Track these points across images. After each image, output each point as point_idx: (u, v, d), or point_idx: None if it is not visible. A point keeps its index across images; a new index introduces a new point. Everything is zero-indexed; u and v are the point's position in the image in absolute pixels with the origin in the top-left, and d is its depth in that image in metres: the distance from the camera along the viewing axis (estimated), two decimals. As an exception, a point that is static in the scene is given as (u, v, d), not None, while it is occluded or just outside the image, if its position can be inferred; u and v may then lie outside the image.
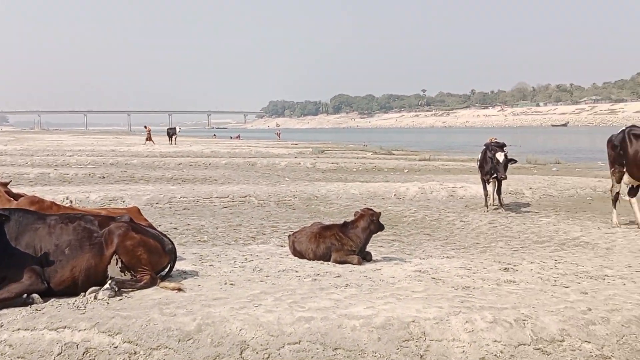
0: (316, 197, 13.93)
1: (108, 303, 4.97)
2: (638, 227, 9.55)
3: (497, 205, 12.39)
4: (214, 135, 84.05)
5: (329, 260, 6.83)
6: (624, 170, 9.73)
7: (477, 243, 8.86)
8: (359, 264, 6.67)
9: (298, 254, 7.08)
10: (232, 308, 4.75)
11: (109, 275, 5.34)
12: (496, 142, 12.90)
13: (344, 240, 6.85)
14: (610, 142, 10.06)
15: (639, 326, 4.62)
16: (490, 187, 12.45)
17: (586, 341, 4.43)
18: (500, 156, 11.71)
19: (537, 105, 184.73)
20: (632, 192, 9.94)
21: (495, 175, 11.98)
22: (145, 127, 45.99)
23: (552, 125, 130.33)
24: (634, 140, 9.50)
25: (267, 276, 6.00)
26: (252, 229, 9.94)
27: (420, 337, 4.37)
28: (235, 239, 9.03)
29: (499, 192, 12.44)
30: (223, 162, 24.82)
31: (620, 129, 10.04)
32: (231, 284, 5.64)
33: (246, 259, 6.92)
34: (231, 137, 71.18)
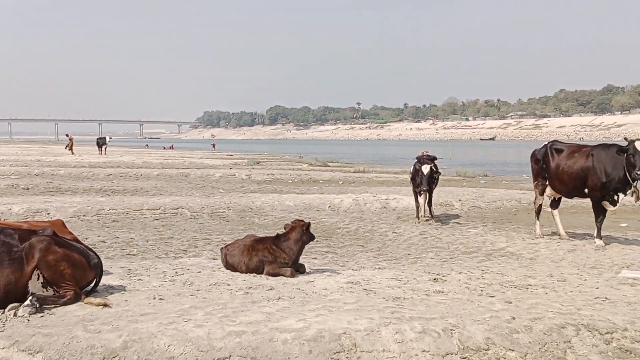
0: (251, 208, 13.83)
1: (28, 320, 4.74)
2: (560, 238, 10.01)
3: (428, 216, 12.68)
4: (146, 145, 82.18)
5: (262, 273, 6.78)
6: (547, 183, 10.19)
7: (409, 254, 9.03)
8: (292, 276, 6.65)
9: (230, 267, 6.98)
10: (161, 323, 4.62)
11: (30, 292, 5.09)
12: (427, 155, 13.25)
13: (277, 252, 6.82)
14: (533, 156, 10.52)
15: (560, 334, 4.82)
16: (421, 199, 12.74)
17: (510, 349, 4.58)
18: (425, 169, 12.03)
19: (467, 119, 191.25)
20: (554, 204, 10.43)
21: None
22: (67, 135, 45.68)
23: (481, 139, 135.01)
24: (555, 155, 9.98)
25: (198, 290, 5.89)
26: (184, 242, 9.73)
27: (351, 348, 4.39)
28: (166, 252, 8.81)
29: (429, 204, 12.75)
30: (155, 173, 24.24)
31: (543, 144, 10.52)
32: (160, 299, 5.49)
33: (177, 272, 6.76)
34: (164, 148, 69.73)
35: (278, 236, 7.03)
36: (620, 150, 8.77)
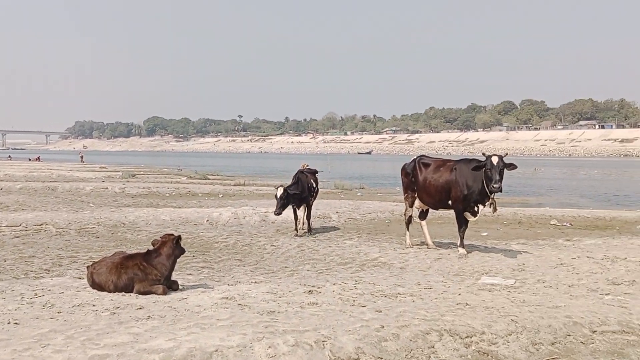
0: (123, 224, 13.23)
1: None
2: (427, 247, 10.57)
3: (306, 229, 12.85)
4: (9, 156, 76.01)
5: (131, 291, 6.48)
6: (416, 195, 10.73)
7: (286, 267, 9.08)
8: (164, 293, 6.43)
9: (97, 286, 6.60)
10: (15, 350, 4.26)
11: None
12: (309, 168, 13.47)
13: (148, 269, 6.56)
14: (403, 170, 11.05)
15: (425, 340, 5.06)
16: (300, 212, 12.89)
17: (379, 357, 4.73)
18: (278, 192, 12.19)
19: (345, 134, 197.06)
20: (422, 216, 11.00)
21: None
22: None
23: (358, 153, 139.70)
24: (423, 169, 10.54)
25: (59, 312, 5.50)
26: (47, 261, 9.07)
27: (223, 366, 4.31)
28: (25, 272, 8.15)
29: (308, 216, 12.94)
30: (18, 187, 22.47)
31: (412, 158, 11.08)
32: (15, 323, 5.07)
33: (36, 294, 6.28)
34: (30, 159, 64.94)
35: (149, 252, 6.77)
36: (479, 165, 9.45)
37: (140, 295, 6.33)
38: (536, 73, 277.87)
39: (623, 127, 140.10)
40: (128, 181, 28.23)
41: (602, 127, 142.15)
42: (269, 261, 9.62)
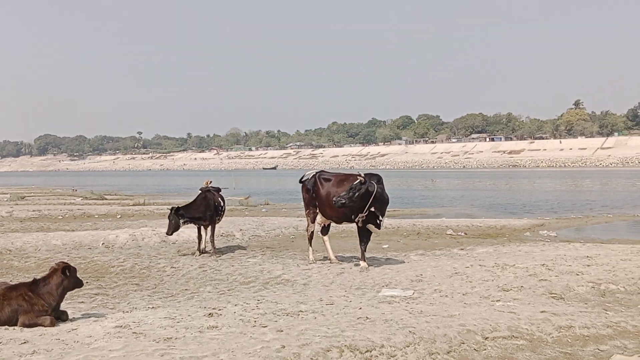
0: (9, 250, 12.34)
1: None
2: (330, 262, 10.66)
3: (209, 249, 12.57)
4: None
5: (16, 324, 6.01)
6: (317, 211, 10.82)
7: (186, 289, 8.81)
8: (52, 325, 6.01)
9: (-24, 321, 6.06)
10: None
11: None
12: (212, 186, 13.23)
13: (34, 300, 6.12)
14: (304, 186, 11.11)
15: (326, 358, 5.05)
16: (203, 231, 12.59)
17: (280, 378, 4.67)
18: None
19: (250, 149, 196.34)
20: (324, 231, 11.10)
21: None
22: None
23: (264, 168, 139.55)
24: (324, 183, 10.66)
25: None
26: None
27: (114, 401, 4.07)
28: None
29: (212, 236, 12.65)
30: None
31: (312, 174, 11.17)
32: None
33: None
34: None
35: (35, 281, 6.32)
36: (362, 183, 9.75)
37: (25, 329, 5.89)
38: (431, 89, 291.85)
39: (511, 139, 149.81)
40: (17, 204, 26.46)
41: (492, 139, 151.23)
42: (169, 284, 9.29)
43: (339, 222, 10.81)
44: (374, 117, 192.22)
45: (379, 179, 10.12)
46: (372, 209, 9.85)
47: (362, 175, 9.93)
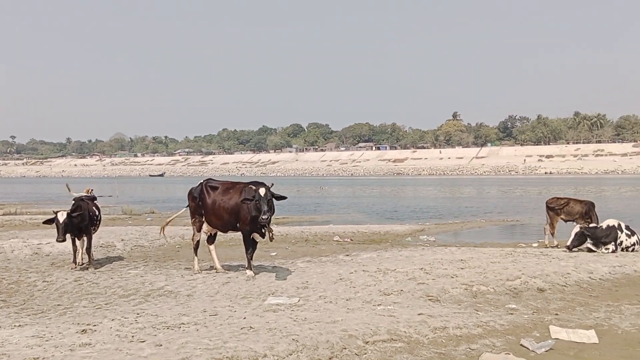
0: None
1: None
2: (216, 272, 10.47)
3: (86, 261, 11.87)
4: None
5: None
6: (204, 219, 10.59)
7: (59, 305, 8.25)
8: None
9: None
10: None
11: None
12: (87, 195, 12.52)
13: None
14: (190, 193, 10.84)
15: (206, 369, 4.94)
16: (79, 242, 11.87)
17: (157, 395, 4.49)
18: (61, 216, 11.16)
19: (135, 155, 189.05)
20: (210, 240, 10.88)
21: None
22: None
23: (150, 175, 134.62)
24: (210, 192, 10.47)
25: None
26: None
27: None
28: None
29: (89, 247, 11.96)
30: None
31: (199, 182, 10.93)
32: None
33: None
34: None
35: None
36: (248, 198, 9.62)
37: None
38: (321, 98, 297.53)
39: (395, 148, 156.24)
40: None
41: (378, 148, 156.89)
42: (40, 300, 8.66)
43: (224, 230, 10.65)
44: (264, 125, 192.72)
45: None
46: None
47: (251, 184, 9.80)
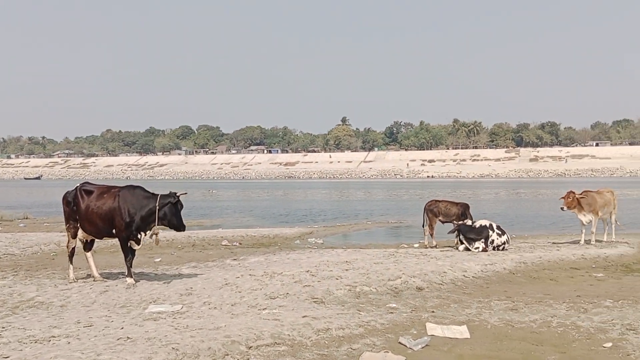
0: None
1: None
2: (94, 280, 9.93)
3: (-56, 271, 10.82)
4: None
5: None
6: (78, 225, 9.99)
7: None
8: None
9: None
10: None
11: None
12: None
13: None
14: (65, 198, 10.19)
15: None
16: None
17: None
18: None
19: (9, 157, 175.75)
20: (87, 247, 10.29)
21: None
22: None
23: (25, 178, 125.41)
24: (85, 196, 9.89)
25: None
26: None
27: None
28: None
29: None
30: None
31: (75, 186, 10.32)
32: None
33: None
34: None
35: None
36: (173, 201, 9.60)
37: None
38: (211, 100, 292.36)
39: (287, 152, 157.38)
40: None
41: (270, 151, 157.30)
42: None
43: (99, 237, 10.07)
44: (152, 126, 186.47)
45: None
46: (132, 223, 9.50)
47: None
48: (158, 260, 12.96)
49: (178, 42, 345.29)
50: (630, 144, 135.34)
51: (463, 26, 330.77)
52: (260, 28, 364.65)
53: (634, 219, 24.46)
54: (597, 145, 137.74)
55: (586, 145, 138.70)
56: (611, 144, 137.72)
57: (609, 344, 6.31)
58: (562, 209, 14.77)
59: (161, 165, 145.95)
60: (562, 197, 14.81)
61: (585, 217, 14.76)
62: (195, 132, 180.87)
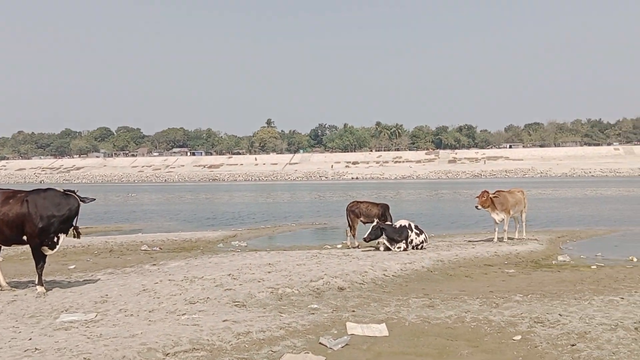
0: None
1: None
2: (1, 289, 9.37)
3: None
4: None
5: None
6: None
7: None
8: None
9: None
10: None
11: None
12: None
13: None
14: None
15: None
16: None
17: None
18: None
19: None
20: (-6, 254, 9.70)
21: None
22: None
23: None
24: None
25: None
26: None
27: None
28: None
29: None
30: None
31: None
32: None
33: None
34: None
35: None
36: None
37: None
38: (131, 101, 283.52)
39: (211, 154, 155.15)
40: None
41: (194, 154, 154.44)
42: None
43: (7, 244, 9.47)
44: (68, 128, 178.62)
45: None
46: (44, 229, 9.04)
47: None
48: (72, 267, 12.43)
49: (94, 39, 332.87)
50: (541, 146, 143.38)
51: (385, 30, 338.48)
52: (182, 26, 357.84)
53: (544, 217, 25.88)
54: (510, 147, 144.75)
55: (500, 147, 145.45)
56: (523, 146, 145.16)
57: (518, 337, 6.63)
58: (476, 207, 15.38)
59: (78, 169, 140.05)
60: (477, 197, 15.44)
61: (498, 216, 15.45)
62: (115, 134, 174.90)
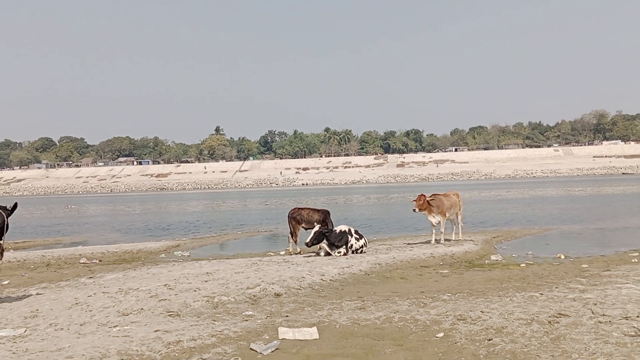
0: None
1: None
2: None
3: None
4: None
5: None
6: None
7: None
8: None
9: None
10: None
11: None
12: None
13: None
14: None
15: None
16: None
17: None
18: None
19: None
20: None
21: None
22: None
23: None
24: None
25: None
26: None
27: None
28: None
29: None
30: None
31: None
32: None
33: None
34: None
35: None
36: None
37: None
38: (74, 110, 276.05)
39: (159, 163, 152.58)
40: None
41: (140, 163, 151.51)
42: None
43: None
44: (7, 139, 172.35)
45: None
46: None
47: None
48: (6, 282, 12.13)
49: (33, 42, 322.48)
50: (485, 148, 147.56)
51: (329, 35, 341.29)
52: (128, 28, 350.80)
53: (481, 217, 26.72)
54: (456, 150, 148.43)
55: (447, 151, 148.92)
56: (468, 149, 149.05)
57: (441, 334, 6.94)
58: (414, 210, 15.83)
59: (18, 181, 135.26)
60: (414, 200, 15.89)
61: (434, 219, 15.93)
62: (57, 144, 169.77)
